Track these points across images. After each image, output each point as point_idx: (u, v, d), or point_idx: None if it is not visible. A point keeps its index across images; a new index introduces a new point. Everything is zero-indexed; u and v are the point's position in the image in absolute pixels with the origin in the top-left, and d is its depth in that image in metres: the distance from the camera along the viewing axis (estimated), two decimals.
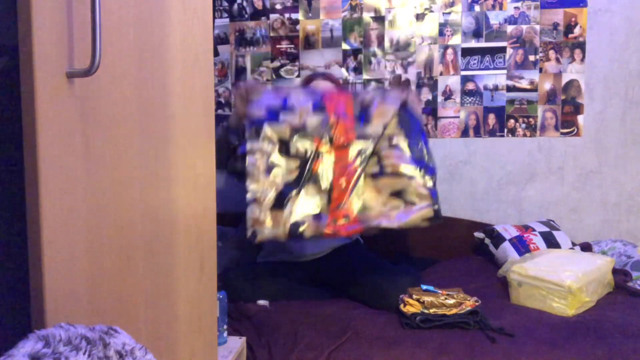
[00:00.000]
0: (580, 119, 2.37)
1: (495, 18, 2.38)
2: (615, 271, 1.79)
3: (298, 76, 2.50)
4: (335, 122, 1.51)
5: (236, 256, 2.11)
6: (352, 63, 2.47)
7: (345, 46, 2.47)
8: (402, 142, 1.51)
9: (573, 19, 2.34)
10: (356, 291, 1.76)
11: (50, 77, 0.61)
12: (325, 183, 1.40)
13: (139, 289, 0.83)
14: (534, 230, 2.14)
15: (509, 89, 2.40)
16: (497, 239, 2.14)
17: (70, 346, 0.55)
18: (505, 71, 2.39)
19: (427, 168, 1.46)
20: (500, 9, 2.38)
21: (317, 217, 1.35)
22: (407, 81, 2.43)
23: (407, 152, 1.47)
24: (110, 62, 0.73)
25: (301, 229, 1.33)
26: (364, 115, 1.54)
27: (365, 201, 1.38)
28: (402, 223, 1.33)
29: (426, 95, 2.44)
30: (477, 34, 2.40)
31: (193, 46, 1.02)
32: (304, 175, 1.42)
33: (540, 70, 2.38)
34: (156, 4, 0.87)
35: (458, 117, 2.43)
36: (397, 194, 1.39)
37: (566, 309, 1.55)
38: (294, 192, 1.38)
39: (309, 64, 2.49)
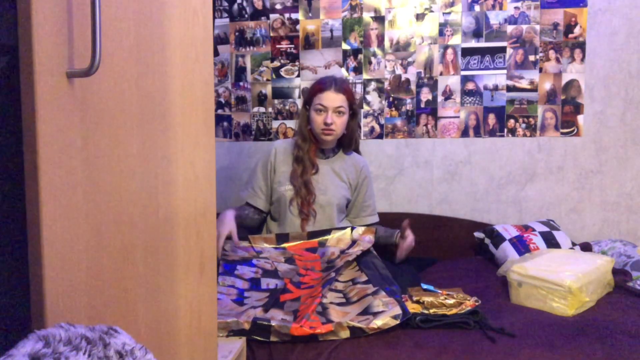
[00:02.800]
0: (580, 119, 2.37)
1: (495, 18, 2.38)
2: (615, 271, 1.79)
3: (298, 76, 2.50)
4: (304, 273, 1.72)
5: None
6: (352, 63, 2.47)
7: (345, 46, 2.47)
8: (364, 278, 1.68)
9: (573, 19, 2.34)
10: None
11: (50, 77, 0.61)
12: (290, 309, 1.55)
13: (139, 289, 0.83)
14: (534, 230, 2.14)
15: (509, 89, 2.40)
16: (497, 239, 2.14)
17: (70, 346, 0.55)
18: (505, 71, 2.39)
19: (391, 291, 1.59)
20: (500, 9, 2.38)
21: (283, 319, 1.47)
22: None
23: (370, 286, 1.63)
24: (110, 62, 0.73)
25: (265, 322, 1.45)
26: (330, 267, 1.73)
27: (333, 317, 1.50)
28: (374, 325, 1.43)
29: (426, 95, 2.44)
30: (477, 34, 2.40)
31: (193, 46, 1.02)
32: (271, 301, 1.58)
33: (540, 70, 2.38)
34: (156, 4, 0.87)
35: (458, 117, 2.43)
36: (365, 310, 1.51)
37: (566, 309, 1.55)
38: (261, 308, 1.53)
39: (309, 64, 2.49)
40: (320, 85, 1.96)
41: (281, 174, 1.99)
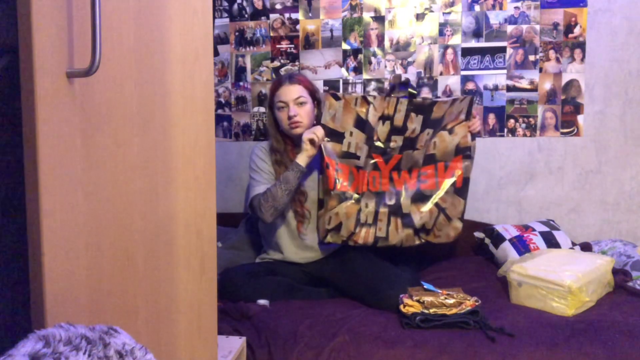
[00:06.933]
0: (580, 118, 2.37)
1: (495, 18, 2.38)
2: (615, 271, 1.79)
3: None
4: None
5: (236, 256, 2.11)
6: (352, 63, 2.47)
7: (345, 46, 2.47)
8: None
9: (573, 19, 2.34)
10: (356, 291, 1.76)
11: (50, 77, 0.61)
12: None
13: (139, 289, 0.83)
14: (534, 230, 2.14)
15: (509, 88, 2.40)
16: (497, 239, 2.14)
17: (70, 346, 0.55)
18: (505, 71, 2.39)
19: None
20: (500, 8, 2.38)
21: None
22: None
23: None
24: (110, 62, 0.73)
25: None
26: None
27: None
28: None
29: (426, 95, 2.44)
30: (477, 34, 2.40)
31: (193, 46, 1.02)
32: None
33: (540, 70, 2.37)
34: (156, 4, 0.87)
35: None
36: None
37: (566, 308, 1.55)
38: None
39: (309, 64, 2.49)
40: (275, 84, 1.97)
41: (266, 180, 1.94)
